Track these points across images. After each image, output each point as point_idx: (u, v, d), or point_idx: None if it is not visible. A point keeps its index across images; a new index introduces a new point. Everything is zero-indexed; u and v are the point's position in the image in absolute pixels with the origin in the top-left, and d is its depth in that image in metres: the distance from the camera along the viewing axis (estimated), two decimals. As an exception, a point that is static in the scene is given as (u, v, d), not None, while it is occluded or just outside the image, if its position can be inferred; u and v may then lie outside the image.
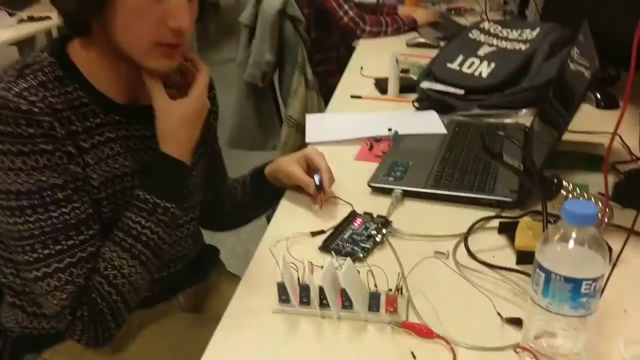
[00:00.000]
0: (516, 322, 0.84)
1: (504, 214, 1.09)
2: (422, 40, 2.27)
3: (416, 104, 1.62)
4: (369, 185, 1.19)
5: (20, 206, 0.88)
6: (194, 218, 1.14)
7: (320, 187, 1.10)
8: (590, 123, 1.45)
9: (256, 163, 1.26)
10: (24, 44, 3.24)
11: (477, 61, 1.66)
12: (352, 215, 1.09)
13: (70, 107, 0.93)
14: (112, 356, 1.03)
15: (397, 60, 1.69)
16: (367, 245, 0.99)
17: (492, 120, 1.54)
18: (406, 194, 1.16)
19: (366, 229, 1.05)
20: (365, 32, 2.38)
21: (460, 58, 1.69)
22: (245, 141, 2.31)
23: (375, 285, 0.84)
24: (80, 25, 0.94)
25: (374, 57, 2.04)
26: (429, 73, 1.71)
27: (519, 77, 1.58)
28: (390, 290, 0.84)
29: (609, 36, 1.25)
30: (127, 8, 0.88)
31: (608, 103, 1.63)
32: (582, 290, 0.67)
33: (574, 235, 0.67)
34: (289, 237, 1.02)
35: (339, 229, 1.05)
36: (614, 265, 0.81)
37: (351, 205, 1.12)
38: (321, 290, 0.84)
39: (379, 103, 1.70)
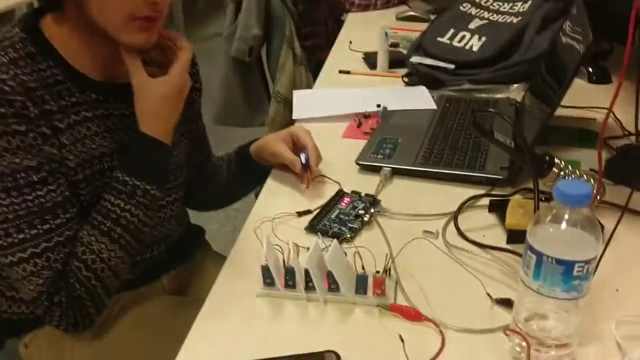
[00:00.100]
0: (506, 303, 0.82)
1: (494, 192, 1.07)
2: (412, 13, 2.23)
3: (406, 79, 1.59)
4: (357, 163, 1.16)
5: (-7, 189, 0.84)
6: (177, 198, 1.11)
7: (306, 166, 1.08)
8: (582, 98, 1.42)
9: (244, 140, 1.22)
10: (3, 18, 3.16)
11: (468, 35, 1.62)
12: (340, 195, 1.06)
13: (43, 85, 0.89)
14: (92, 341, 1.00)
15: (386, 34, 1.65)
16: (355, 226, 0.97)
17: (482, 95, 1.51)
18: (395, 172, 1.13)
19: (354, 208, 1.02)
20: (354, 4, 2.33)
21: (450, 32, 1.65)
22: (232, 117, 2.27)
23: (363, 267, 0.82)
24: None
25: (363, 30, 1.99)
26: (418, 47, 1.68)
27: (511, 51, 1.55)
28: (378, 272, 0.82)
29: (602, 9, 1.22)
30: None
31: (600, 77, 1.60)
32: (575, 273, 0.65)
33: (566, 216, 0.65)
34: (274, 217, 0.99)
35: (326, 208, 1.02)
36: (607, 244, 0.80)
37: (339, 184, 1.09)
38: (307, 272, 0.82)
39: (368, 78, 1.67)
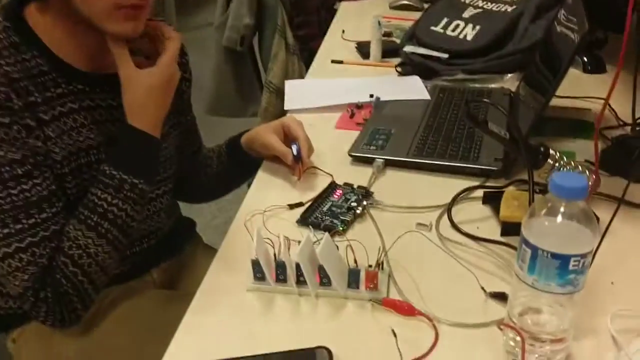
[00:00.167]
0: (500, 297, 0.81)
1: (488, 184, 1.06)
2: (405, 2, 2.20)
3: (399, 69, 1.57)
4: (350, 155, 1.15)
5: (-23, 183, 0.82)
6: (167, 191, 1.10)
7: (298, 158, 1.06)
8: (576, 88, 1.41)
9: (236, 130, 1.20)
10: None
11: (461, 24, 1.60)
12: (332, 187, 1.05)
13: (28, 76, 0.87)
14: (82, 335, 0.99)
15: (379, 23, 1.63)
16: (347, 218, 0.95)
17: (476, 85, 1.49)
18: (388, 164, 1.12)
19: (346, 200, 1.01)
20: (347, -7, 2.30)
21: (444, 21, 1.64)
22: (224, 108, 2.25)
23: (355, 261, 0.81)
24: None
25: (356, 20, 1.97)
26: (412, 36, 1.66)
27: (505, 40, 1.53)
28: (371, 266, 0.81)
29: (597, -3, 1.20)
30: None
31: (595, 67, 1.59)
32: (570, 267, 0.64)
33: (562, 209, 0.64)
34: (265, 210, 0.97)
35: (317, 201, 1.01)
36: (602, 237, 0.78)
37: (331, 176, 1.08)
38: (298, 266, 0.80)
39: (361, 68, 1.65)
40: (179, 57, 0.97)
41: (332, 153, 1.16)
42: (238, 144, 1.16)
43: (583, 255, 0.64)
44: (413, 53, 1.57)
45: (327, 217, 0.96)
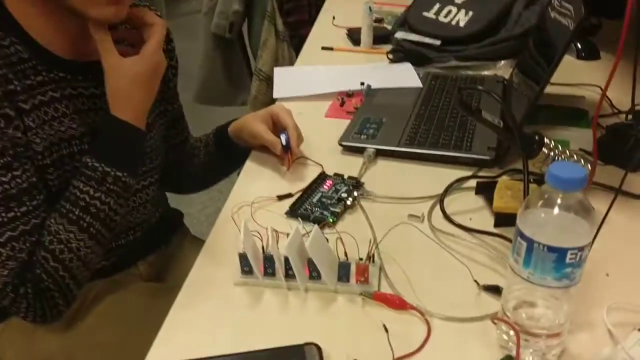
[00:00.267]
0: (494, 290, 0.79)
1: (481, 174, 1.04)
2: (397, -13, 2.17)
3: (390, 56, 1.54)
4: (340, 144, 1.12)
5: (-47, 175, 0.80)
6: (153, 182, 1.07)
7: (287, 147, 1.03)
8: (570, 74, 1.39)
9: (225, 119, 1.17)
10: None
11: (454, 9, 1.58)
12: (322, 177, 1.02)
13: (6, 63, 0.84)
14: (66, 331, 0.97)
15: (370, 9, 1.60)
16: (337, 210, 0.93)
17: (469, 72, 1.47)
18: (379, 153, 1.10)
19: (336, 191, 0.98)
20: (338, -21, 2.26)
21: (436, 6, 1.61)
22: (213, 96, 2.22)
23: (345, 254, 0.79)
24: None
25: (347, 5, 1.94)
26: (403, 22, 1.63)
27: (498, 27, 1.51)
28: (361, 259, 0.79)
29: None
30: None
31: (589, 53, 1.57)
32: (567, 260, 0.62)
33: (559, 200, 0.62)
34: (253, 201, 0.95)
35: (307, 192, 0.98)
36: (599, 228, 0.77)
37: (321, 166, 1.05)
38: (286, 260, 0.78)
39: (352, 55, 1.62)
40: (164, 43, 0.94)
41: (322, 142, 1.13)
42: (226, 133, 1.13)
43: (580, 249, 0.62)
44: (405, 40, 1.55)
45: (316, 209, 0.94)
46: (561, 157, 0.91)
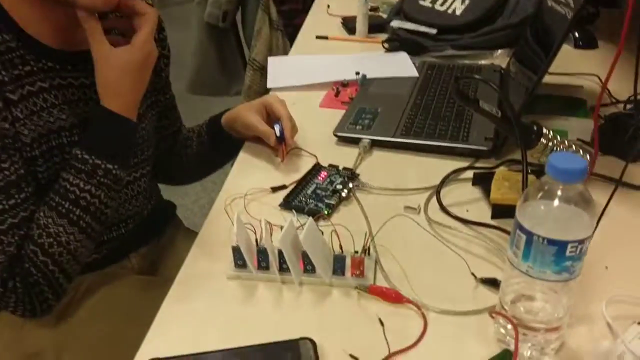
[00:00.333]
0: (491, 283, 0.78)
1: (478, 164, 1.03)
2: (392, -24, 2.15)
3: (386, 45, 1.53)
4: (335, 135, 1.11)
5: (-61, 168, 0.78)
6: (145, 174, 1.05)
7: (281, 138, 1.02)
8: (567, 64, 1.38)
9: (218, 110, 1.15)
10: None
11: (450, -2, 1.56)
12: (316, 169, 1.01)
13: None
14: (56, 325, 0.95)
15: (365, -2, 1.59)
16: (332, 202, 0.92)
17: (466, 61, 1.45)
18: (375, 144, 1.08)
19: (331, 183, 0.97)
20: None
21: (433, -6, 1.59)
22: (206, 86, 2.20)
23: (340, 247, 0.77)
24: None
25: (342, -6, 1.92)
26: (399, 11, 1.61)
27: (495, 15, 1.49)
28: (357, 252, 0.77)
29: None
30: None
31: (586, 42, 1.55)
32: (567, 254, 0.60)
33: (559, 192, 0.60)
34: (246, 193, 0.93)
35: (301, 183, 0.97)
36: (599, 220, 0.75)
37: (315, 157, 1.04)
38: (280, 253, 0.76)
39: (347, 44, 1.61)
40: (156, 33, 0.92)
41: (317, 133, 1.12)
42: (219, 124, 1.11)
43: (581, 241, 0.60)
44: (400, 28, 1.53)
45: (311, 201, 0.92)
46: (560, 147, 0.90)
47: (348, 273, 0.78)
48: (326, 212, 0.90)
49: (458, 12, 1.51)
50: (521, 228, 0.62)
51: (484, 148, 1.04)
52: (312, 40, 1.63)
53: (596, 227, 0.71)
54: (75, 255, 0.85)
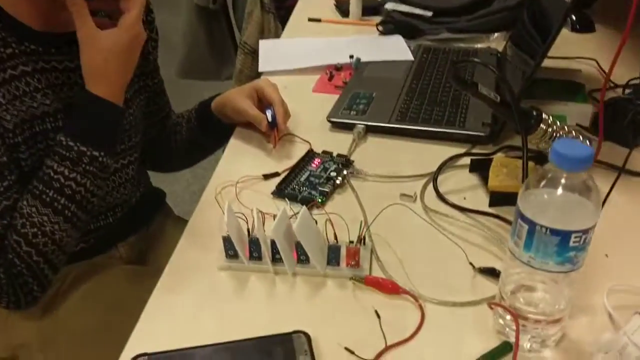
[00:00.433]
0: (490, 273, 0.76)
1: (475, 150, 1.00)
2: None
3: (380, 28, 1.50)
4: (329, 121, 1.08)
5: None
6: (133, 161, 1.02)
7: (273, 124, 0.99)
8: (564, 47, 1.35)
9: (209, 95, 1.12)
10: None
11: (446, -21, 1.53)
12: (310, 155, 0.98)
13: None
14: (43, 316, 0.93)
15: (359, -21, 1.56)
16: (326, 189, 0.89)
17: (462, 45, 1.43)
18: (369, 130, 1.06)
19: (325, 170, 0.94)
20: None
21: (428, -24, 1.56)
22: (196, 70, 2.16)
23: (335, 236, 0.75)
24: None
25: (335, -25, 1.88)
26: (394, -7, 1.58)
27: (492, -3, 1.47)
28: (352, 241, 0.75)
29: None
30: None
31: (583, 26, 1.52)
32: (571, 244, 0.58)
33: (563, 180, 0.58)
34: (238, 181, 0.91)
35: (294, 170, 0.94)
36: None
37: (309, 143, 1.01)
38: (273, 243, 0.74)
39: (340, 27, 1.58)
40: (144, 15, 0.89)
41: (310, 119, 1.09)
42: (209, 109, 1.08)
43: (585, 231, 0.58)
44: (395, 11, 1.50)
45: (304, 188, 0.90)
46: (559, 133, 0.87)
47: (343, 263, 0.75)
48: (320, 200, 0.87)
49: (454, -6, 1.48)
50: (523, 217, 0.60)
51: (482, 134, 1.01)
52: (304, 22, 1.60)
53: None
54: (60, 246, 0.82)
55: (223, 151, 1.04)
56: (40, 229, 0.80)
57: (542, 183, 0.59)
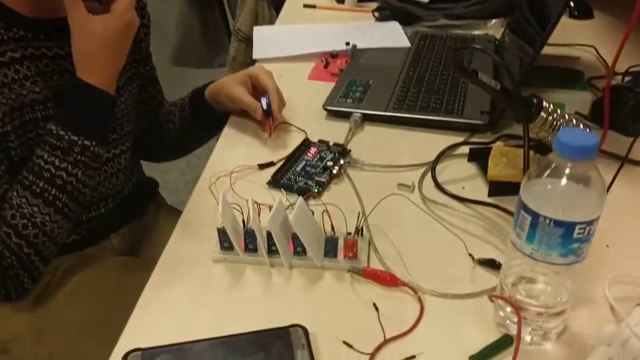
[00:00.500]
0: (490, 264, 0.75)
1: (474, 139, 0.99)
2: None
3: (376, 14, 1.48)
4: (325, 109, 1.06)
5: None
6: (125, 150, 1.00)
7: (268, 112, 0.97)
8: (562, 34, 1.33)
9: (202, 82, 1.10)
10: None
11: (443, -35, 1.50)
12: (306, 144, 0.96)
13: None
14: (34, 309, 0.91)
15: (355, -36, 1.53)
16: (323, 179, 0.87)
17: (459, 31, 1.41)
18: (366, 118, 1.04)
19: (321, 159, 0.93)
20: None
21: (424, -39, 1.53)
22: (189, 58, 2.13)
23: (332, 228, 0.73)
24: None
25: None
26: (390, -21, 1.56)
27: (489, -17, 1.44)
28: (350, 233, 0.73)
29: None
30: None
31: (582, 12, 1.51)
32: (575, 235, 0.57)
33: (567, 170, 0.56)
34: (232, 171, 0.89)
35: (290, 160, 0.92)
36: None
37: (304, 132, 0.99)
38: (269, 235, 0.72)
39: (335, 13, 1.55)
40: (135, 1, 0.86)
41: (306, 107, 1.07)
42: (202, 97, 1.06)
43: (589, 222, 0.57)
44: (391, -3, 1.48)
45: (300, 178, 0.88)
46: (560, 121, 0.86)
47: (340, 255, 0.74)
48: (316, 191, 0.86)
49: (451, -20, 1.46)
50: (526, 208, 0.59)
51: (480, 122, 1.00)
52: (299, 9, 1.57)
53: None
54: (51, 237, 0.81)
55: (217, 140, 1.02)
56: (31, 220, 0.78)
57: (546, 173, 0.58)
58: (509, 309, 0.65)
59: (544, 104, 0.85)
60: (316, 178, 0.88)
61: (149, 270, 0.74)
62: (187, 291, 0.71)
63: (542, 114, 0.84)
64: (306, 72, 1.22)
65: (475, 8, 1.42)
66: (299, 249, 0.74)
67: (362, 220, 0.76)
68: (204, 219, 0.81)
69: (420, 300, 0.70)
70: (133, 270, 0.98)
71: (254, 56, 1.30)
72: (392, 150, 0.96)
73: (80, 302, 0.93)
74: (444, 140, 0.97)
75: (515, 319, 0.64)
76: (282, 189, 0.86)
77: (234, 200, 0.78)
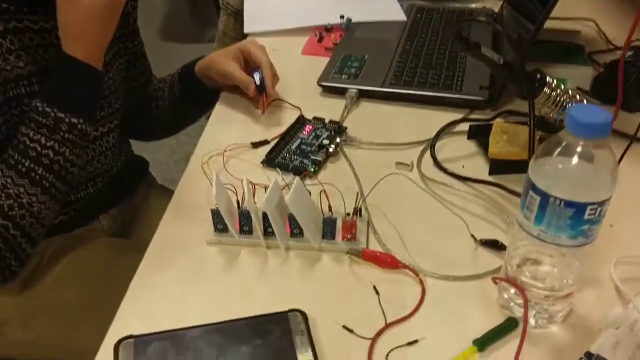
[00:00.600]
0: (492, 245, 0.73)
1: (473, 116, 0.96)
2: None
3: (371, -13, 1.43)
4: (319, 85, 1.03)
5: None
6: (113, 128, 0.96)
7: (261, 88, 0.94)
8: (562, 7, 1.28)
9: (192, 58, 1.06)
10: None
11: None
12: (300, 122, 0.93)
13: None
14: (22, 292, 0.89)
15: None
16: (319, 158, 0.85)
17: (456, 5, 1.37)
18: (362, 94, 1.01)
19: (317, 137, 0.90)
20: None
21: None
22: (177, 33, 2.08)
23: (330, 208, 0.71)
24: None
25: None
26: (384, -50, 1.51)
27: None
28: (348, 213, 0.71)
29: None
30: None
31: (581, -15, 1.47)
32: (586, 217, 0.55)
33: (579, 149, 0.54)
34: (225, 149, 0.86)
35: (285, 138, 0.90)
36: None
37: (299, 109, 0.96)
38: (265, 216, 0.70)
39: (329, -14, 1.50)
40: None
41: (300, 83, 1.04)
42: (192, 72, 1.02)
43: (601, 203, 0.55)
44: (386, -31, 1.43)
45: (296, 157, 0.85)
46: (563, 97, 0.83)
47: (339, 237, 0.72)
48: (312, 170, 0.83)
49: (447, -49, 1.42)
50: (535, 188, 0.56)
51: (480, 98, 0.97)
52: (291, -19, 1.52)
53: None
54: (38, 218, 0.78)
55: (207, 118, 0.99)
56: (17, 200, 0.75)
57: (556, 152, 0.55)
58: (513, 291, 0.63)
59: (548, 79, 0.82)
60: (312, 157, 0.85)
61: (139, 253, 0.72)
62: (180, 275, 0.69)
63: (546, 89, 0.81)
64: (299, 47, 1.19)
65: (473, -20, 1.38)
66: (296, 231, 0.71)
67: (361, 201, 0.73)
68: (196, 199, 0.78)
69: (421, 282, 0.68)
70: (123, 252, 0.95)
71: (245, 30, 1.26)
72: (390, 128, 0.94)
73: (69, 284, 0.91)
74: (443, 116, 0.95)
75: (520, 301, 0.62)
76: (277, 168, 0.83)
77: (227, 180, 0.75)
